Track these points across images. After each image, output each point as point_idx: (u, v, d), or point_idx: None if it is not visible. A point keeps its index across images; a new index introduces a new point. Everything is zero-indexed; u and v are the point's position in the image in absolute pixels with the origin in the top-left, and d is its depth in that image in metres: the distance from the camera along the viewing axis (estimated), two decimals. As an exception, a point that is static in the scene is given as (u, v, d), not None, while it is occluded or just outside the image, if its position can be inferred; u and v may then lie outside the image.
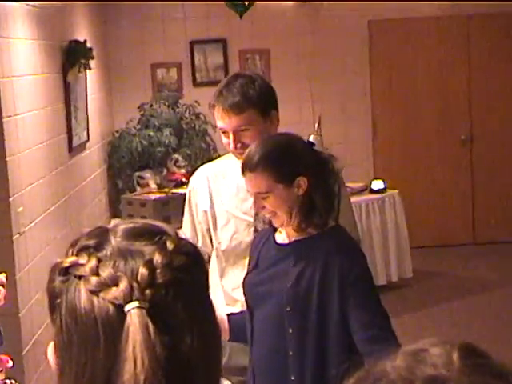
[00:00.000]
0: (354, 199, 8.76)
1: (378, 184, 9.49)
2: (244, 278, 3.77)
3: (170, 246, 1.38)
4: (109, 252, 1.38)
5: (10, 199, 6.43)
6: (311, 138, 8.55)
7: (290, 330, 3.43)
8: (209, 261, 4.32)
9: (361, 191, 9.43)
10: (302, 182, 3.42)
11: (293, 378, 3.47)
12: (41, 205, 7.26)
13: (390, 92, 10.82)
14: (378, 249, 9.16)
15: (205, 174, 4.35)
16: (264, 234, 3.74)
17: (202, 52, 10.83)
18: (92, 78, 9.32)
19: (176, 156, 9.40)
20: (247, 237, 4.12)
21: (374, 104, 10.84)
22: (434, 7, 10.53)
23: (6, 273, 3.55)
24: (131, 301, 1.31)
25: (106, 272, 1.34)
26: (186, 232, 4.45)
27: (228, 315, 3.72)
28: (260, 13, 9.82)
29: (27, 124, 6.98)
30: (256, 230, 4.09)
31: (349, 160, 9.73)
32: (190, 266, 1.41)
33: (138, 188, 9.19)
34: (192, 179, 4.48)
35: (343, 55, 10.65)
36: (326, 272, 3.40)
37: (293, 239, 3.56)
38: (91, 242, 1.41)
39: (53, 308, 1.42)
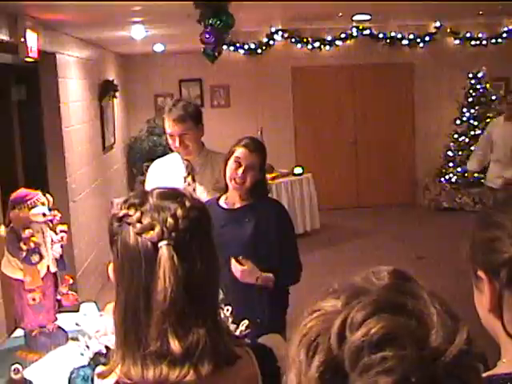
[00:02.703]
0: (283, 179, 10.08)
1: (298, 170, 10.40)
2: None
3: (187, 203, 1.53)
4: (148, 207, 1.51)
5: (67, 179, 7.06)
6: None
7: (254, 262, 3.55)
8: None
9: (287, 174, 10.34)
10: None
11: (255, 290, 3.61)
12: (86, 183, 8.01)
13: (305, 112, 11.99)
14: (298, 210, 10.10)
15: (156, 165, 4.57)
16: (211, 202, 3.76)
17: (187, 87, 11.98)
18: (117, 103, 10.41)
19: (170, 152, 9.17)
20: None
21: (295, 119, 12.04)
22: (331, 59, 11.74)
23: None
24: (162, 239, 1.46)
25: (146, 221, 1.48)
26: None
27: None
28: (223, 61, 10.02)
29: (77, 132, 7.67)
30: None
31: (279, 155, 10.90)
32: (200, 218, 1.55)
33: (146, 173, 8.96)
34: (149, 169, 4.63)
35: (276, 87, 11.82)
36: (272, 223, 3.66)
37: (242, 204, 3.74)
38: (136, 201, 1.54)
39: (112, 242, 1.55)
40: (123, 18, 6.67)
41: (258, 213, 3.67)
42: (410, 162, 12.28)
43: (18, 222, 3.39)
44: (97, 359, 1.58)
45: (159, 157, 4.82)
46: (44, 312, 3.40)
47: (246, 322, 1.83)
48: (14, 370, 2.46)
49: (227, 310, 1.90)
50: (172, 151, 4.45)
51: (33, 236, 3.39)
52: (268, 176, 9.71)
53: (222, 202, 3.78)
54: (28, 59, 5.51)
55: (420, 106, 12.07)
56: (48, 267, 3.44)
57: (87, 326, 1.79)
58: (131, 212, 1.52)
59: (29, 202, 3.44)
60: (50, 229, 3.46)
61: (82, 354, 1.71)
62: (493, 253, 1.38)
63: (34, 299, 3.42)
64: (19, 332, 3.62)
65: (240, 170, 3.66)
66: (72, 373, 1.54)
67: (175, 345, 1.43)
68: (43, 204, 3.48)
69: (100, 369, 1.53)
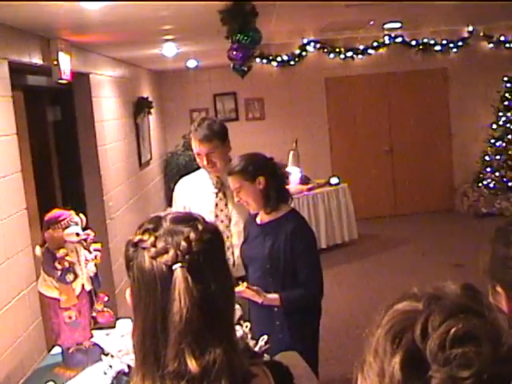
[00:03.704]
0: (319, 190, 10.06)
1: (334, 180, 10.36)
2: (241, 246, 4.06)
3: (200, 227, 1.57)
4: (162, 232, 1.56)
5: (104, 197, 7.11)
6: (291, 154, 9.85)
7: (271, 280, 3.76)
8: None
9: (324, 185, 10.32)
10: (262, 179, 3.77)
11: (276, 309, 3.74)
12: (123, 200, 8.06)
13: (340, 123, 12.01)
14: (335, 221, 10.14)
15: (183, 182, 4.66)
16: (251, 216, 3.99)
17: (221, 101, 11.99)
18: (152, 119, 10.53)
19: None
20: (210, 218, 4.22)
21: (330, 129, 12.05)
22: (364, 68, 11.75)
23: (101, 243, 3.62)
24: (176, 262, 1.50)
25: (160, 245, 1.53)
26: None
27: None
28: (257, 73, 10.83)
29: (113, 150, 7.73)
30: (216, 215, 4.36)
31: (315, 165, 11.29)
32: (213, 240, 1.58)
33: None
34: (176, 186, 4.72)
35: (309, 100, 11.88)
36: (286, 241, 3.72)
37: (265, 221, 3.87)
38: (150, 226, 1.59)
39: (128, 267, 1.60)
40: (154, 36, 6.74)
41: (275, 230, 3.77)
42: (447, 168, 12.18)
43: (52, 241, 3.47)
44: (120, 378, 1.61)
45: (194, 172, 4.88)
46: (80, 329, 3.46)
47: (265, 337, 1.84)
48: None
49: (246, 326, 1.89)
50: (199, 168, 4.53)
51: (67, 255, 3.46)
52: (303, 187, 9.92)
53: (258, 217, 3.90)
54: (62, 81, 5.60)
55: (455, 111, 12.00)
56: (83, 285, 3.50)
57: (110, 346, 1.82)
58: (145, 237, 1.56)
59: (63, 223, 3.52)
60: (84, 248, 3.52)
61: (105, 373, 1.76)
62: None
63: (69, 317, 3.51)
64: (57, 349, 3.70)
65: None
66: None
67: (192, 364, 1.45)
68: (77, 224, 3.57)
69: None
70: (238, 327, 1.75)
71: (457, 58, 11.76)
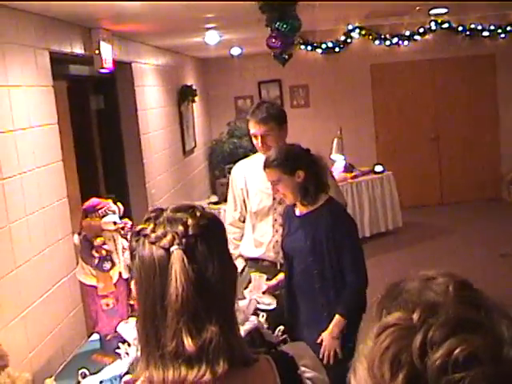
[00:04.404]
0: (363, 178, 10.04)
1: (379, 168, 10.33)
2: (282, 240, 4.12)
3: (197, 213, 1.63)
4: (162, 219, 1.62)
5: (146, 185, 7.24)
6: (335, 141, 9.83)
7: (315, 272, 3.75)
8: (244, 220, 4.71)
9: (368, 172, 10.27)
10: (301, 173, 3.76)
11: (322, 302, 3.77)
12: (166, 188, 8.18)
13: (385, 110, 11.94)
14: (379, 209, 10.09)
15: (241, 166, 4.74)
16: (289, 209, 4.01)
17: (266, 88, 12.04)
18: (196, 107, 10.65)
19: (251, 154, 8.85)
20: (269, 203, 4.48)
21: (375, 118, 11.97)
22: (410, 54, 11.61)
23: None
24: (173, 245, 1.56)
25: (159, 231, 1.59)
26: (229, 205, 4.85)
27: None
28: (302, 60, 11.20)
29: (156, 138, 7.85)
30: (274, 198, 4.43)
31: (360, 153, 11.21)
32: (210, 225, 1.63)
33: (228, 175, 8.27)
34: (233, 170, 4.80)
35: (354, 87, 11.85)
36: (326, 233, 3.73)
37: (303, 212, 3.87)
38: (152, 215, 1.65)
39: (132, 257, 1.65)
40: (196, 24, 6.77)
41: (315, 222, 3.77)
42: (495, 156, 11.96)
43: (90, 230, 3.57)
44: (136, 366, 1.64)
45: (240, 159, 4.96)
46: (117, 317, 3.52)
47: (281, 327, 1.85)
48: (81, 374, 2.55)
49: (262, 316, 1.91)
50: (254, 152, 4.62)
51: (104, 244, 3.54)
52: (347, 175, 9.89)
53: (296, 208, 3.90)
54: (103, 70, 5.68)
55: (503, 98, 11.76)
56: (120, 273, 3.57)
57: (127, 334, 1.85)
58: (146, 225, 1.62)
59: (100, 211, 3.59)
60: (122, 236, 3.58)
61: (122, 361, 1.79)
62: None
63: (107, 304, 3.60)
64: (96, 336, 3.78)
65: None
66: (101, 382, 1.61)
67: (189, 343, 1.50)
68: (114, 212, 3.63)
69: (127, 377, 1.58)
70: (253, 317, 1.76)
71: (505, 43, 11.50)
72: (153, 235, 1.58)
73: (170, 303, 1.52)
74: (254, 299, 1.93)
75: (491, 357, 0.84)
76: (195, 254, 1.56)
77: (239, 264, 4.70)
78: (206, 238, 1.60)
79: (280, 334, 1.85)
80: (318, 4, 5.97)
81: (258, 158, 4.47)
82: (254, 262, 4.56)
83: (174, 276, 1.52)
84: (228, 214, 4.86)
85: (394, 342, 0.88)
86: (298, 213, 3.88)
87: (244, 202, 4.62)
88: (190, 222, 1.60)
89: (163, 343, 1.53)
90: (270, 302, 3.97)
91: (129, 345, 1.89)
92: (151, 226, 1.61)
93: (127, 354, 1.85)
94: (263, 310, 3.77)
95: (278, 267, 4.39)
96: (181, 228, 1.58)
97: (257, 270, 4.39)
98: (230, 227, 4.73)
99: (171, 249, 1.55)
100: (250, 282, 4.14)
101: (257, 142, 4.38)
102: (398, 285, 0.98)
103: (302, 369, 1.65)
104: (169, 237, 1.56)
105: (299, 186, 3.75)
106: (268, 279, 4.10)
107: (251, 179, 4.55)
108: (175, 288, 1.51)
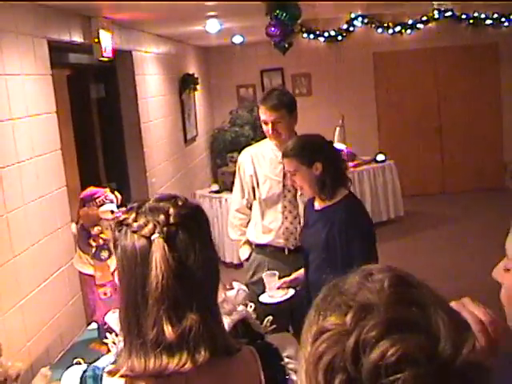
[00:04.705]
0: (365, 167, 10.07)
1: (380, 157, 10.35)
2: (300, 232, 4.17)
3: (179, 203, 1.65)
4: (144, 209, 1.64)
5: (147, 174, 7.19)
6: (337, 130, 9.81)
7: (328, 269, 3.57)
8: (251, 207, 4.71)
9: (370, 161, 10.34)
10: (318, 165, 3.66)
11: None
12: (167, 176, 8.15)
13: (387, 99, 11.89)
14: (381, 197, 10.13)
15: (249, 152, 4.70)
16: (310, 201, 3.90)
17: (268, 76, 11.98)
18: (198, 96, 10.56)
19: (253, 143, 8.82)
20: (278, 190, 4.48)
21: (377, 107, 11.94)
22: (413, 43, 11.57)
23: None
24: (154, 233, 1.57)
25: (141, 220, 1.60)
26: (236, 191, 4.79)
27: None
28: (304, 49, 11.27)
29: (157, 127, 7.80)
30: (284, 185, 4.44)
31: (362, 142, 11.15)
32: (191, 215, 1.65)
33: (230, 164, 9.29)
34: (240, 156, 4.76)
35: (357, 76, 11.77)
36: (340, 230, 3.58)
37: (321, 207, 3.75)
38: (135, 205, 1.67)
39: (115, 247, 1.65)
40: (197, 13, 6.74)
41: (331, 217, 3.64)
42: (497, 145, 11.92)
43: (87, 219, 3.57)
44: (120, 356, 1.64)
45: (244, 147, 4.94)
46: (115, 306, 3.49)
47: (269, 317, 1.85)
48: (76, 363, 2.53)
49: (250, 306, 1.91)
50: (257, 141, 4.65)
51: (102, 233, 3.55)
52: (349, 163, 9.85)
53: (315, 201, 3.83)
54: (103, 59, 5.66)
55: (506, 86, 11.70)
56: (117, 263, 3.59)
57: (114, 324, 1.86)
58: (128, 215, 1.64)
59: (97, 200, 3.59)
60: (119, 225, 3.59)
61: (110, 351, 1.79)
62: None
63: (105, 293, 3.62)
64: (95, 325, 3.80)
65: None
66: (85, 371, 1.62)
67: (169, 331, 1.51)
68: (111, 201, 3.63)
69: (110, 367, 1.60)
70: (241, 307, 1.79)
71: (508, 32, 11.42)
72: (135, 224, 1.60)
73: (150, 291, 1.53)
74: (243, 290, 1.93)
75: (426, 355, 0.82)
76: (176, 243, 1.58)
77: (246, 250, 4.75)
78: (188, 226, 1.61)
79: (268, 324, 1.84)
80: (318, 4, 5.94)
81: (266, 145, 4.54)
82: (261, 249, 4.59)
83: (154, 264, 1.53)
84: (234, 200, 4.85)
85: (328, 349, 0.86)
86: (316, 206, 3.79)
87: (253, 189, 4.62)
88: (171, 211, 1.61)
89: (144, 332, 1.54)
90: (282, 294, 3.94)
91: (116, 335, 1.89)
92: (133, 215, 1.62)
93: (114, 343, 1.86)
94: (283, 302, 3.88)
95: (286, 253, 4.43)
96: (162, 217, 1.59)
97: (265, 257, 4.48)
98: (237, 213, 4.77)
99: (152, 237, 1.56)
100: (263, 285, 4.04)
101: (267, 129, 4.38)
102: (335, 285, 0.98)
103: (286, 360, 1.65)
104: (150, 226, 1.58)
105: (317, 178, 3.65)
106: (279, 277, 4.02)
107: (260, 166, 4.56)
108: (155, 276, 1.52)
